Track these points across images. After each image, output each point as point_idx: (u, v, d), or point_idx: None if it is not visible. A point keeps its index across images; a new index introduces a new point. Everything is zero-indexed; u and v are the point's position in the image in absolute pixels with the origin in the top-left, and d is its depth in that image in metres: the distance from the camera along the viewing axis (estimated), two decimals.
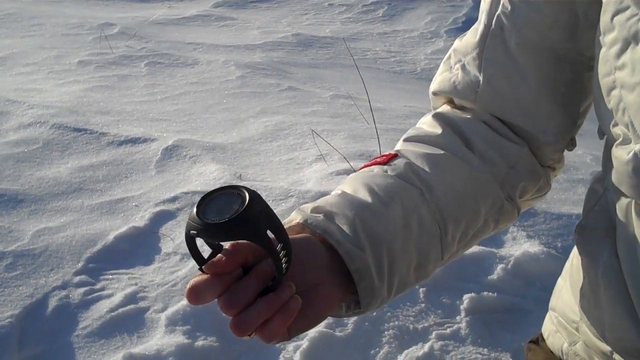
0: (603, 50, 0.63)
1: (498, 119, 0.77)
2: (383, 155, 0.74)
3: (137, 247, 1.97)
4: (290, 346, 1.55)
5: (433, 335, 1.61)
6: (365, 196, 0.66)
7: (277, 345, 1.57)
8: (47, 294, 1.71)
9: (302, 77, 4.23)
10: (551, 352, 0.90)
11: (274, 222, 0.54)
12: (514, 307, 1.73)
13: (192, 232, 0.52)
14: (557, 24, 0.72)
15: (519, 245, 1.96)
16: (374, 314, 1.67)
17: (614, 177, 0.64)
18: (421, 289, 1.76)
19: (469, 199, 0.72)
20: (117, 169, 2.51)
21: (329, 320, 1.63)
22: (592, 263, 0.72)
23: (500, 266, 1.84)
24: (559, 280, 0.91)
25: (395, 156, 0.73)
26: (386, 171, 0.71)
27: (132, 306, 1.69)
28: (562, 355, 0.86)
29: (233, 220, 0.50)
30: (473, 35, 0.78)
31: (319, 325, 1.60)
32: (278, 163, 2.63)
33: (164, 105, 3.46)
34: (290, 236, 0.59)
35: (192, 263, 1.86)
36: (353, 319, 1.64)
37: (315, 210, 0.65)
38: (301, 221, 0.63)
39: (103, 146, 2.72)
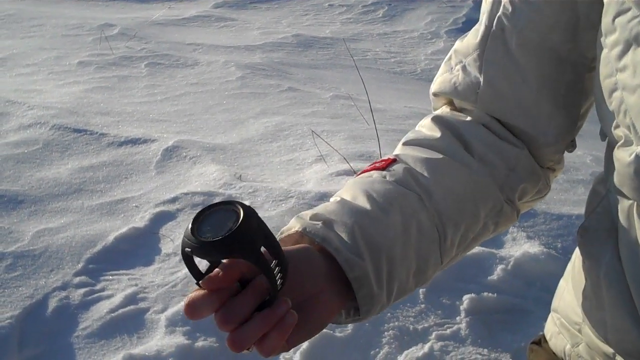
0: (604, 51, 0.63)
1: (498, 121, 0.77)
2: (382, 160, 0.74)
3: (137, 248, 1.97)
4: None
5: (433, 335, 1.61)
6: (364, 203, 0.67)
7: None
8: (47, 294, 1.71)
9: (302, 78, 4.23)
10: (553, 353, 0.90)
11: (268, 238, 0.54)
12: (514, 308, 1.73)
13: (186, 249, 0.52)
14: (558, 24, 0.72)
15: (519, 246, 1.96)
16: None
17: (616, 179, 0.64)
18: (421, 290, 1.76)
19: (468, 203, 0.72)
20: (117, 169, 2.51)
21: None
22: (594, 264, 0.72)
23: (500, 267, 1.84)
24: (561, 282, 0.90)
25: (394, 161, 0.73)
26: (385, 177, 0.71)
27: (132, 307, 1.69)
28: (564, 357, 0.86)
29: (225, 239, 0.50)
30: (474, 36, 0.78)
31: None
32: (278, 164, 2.63)
33: (164, 106, 3.46)
34: (288, 247, 0.59)
35: None
36: None
37: (314, 217, 0.65)
38: (300, 229, 0.63)
39: (103, 147, 2.72)
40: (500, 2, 0.75)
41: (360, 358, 1.55)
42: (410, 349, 1.57)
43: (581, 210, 2.20)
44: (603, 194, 0.72)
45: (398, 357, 1.55)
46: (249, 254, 0.52)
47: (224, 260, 0.55)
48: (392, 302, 0.67)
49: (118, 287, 1.77)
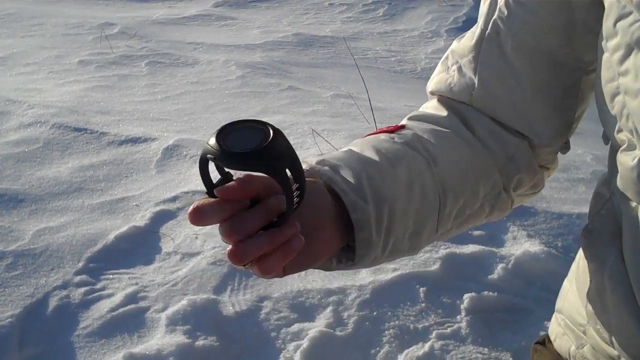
0: (606, 55, 0.63)
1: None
2: (390, 126, 0.75)
3: (138, 247, 1.97)
4: (291, 345, 1.55)
5: (433, 334, 1.61)
6: (372, 155, 0.67)
7: (277, 344, 1.57)
8: (48, 293, 1.71)
9: (302, 77, 4.23)
10: (558, 354, 0.89)
11: (294, 161, 0.54)
12: (515, 307, 1.72)
13: (209, 156, 0.51)
14: (554, 28, 0.71)
15: (520, 245, 1.96)
16: (375, 313, 1.67)
17: (619, 182, 0.64)
18: (421, 289, 1.76)
19: (470, 178, 0.73)
20: (118, 168, 2.51)
21: (329, 319, 1.63)
22: (598, 267, 0.72)
23: (500, 265, 1.84)
24: (565, 282, 0.90)
25: (402, 127, 0.74)
26: (393, 138, 0.71)
27: (132, 306, 1.69)
28: (569, 358, 0.86)
29: (256, 152, 0.50)
30: (470, 38, 0.79)
31: (319, 324, 1.60)
32: None
33: (164, 105, 3.46)
34: None
35: (193, 263, 1.86)
36: (354, 318, 1.64)
37: (320, 162, 0.65)
38: (307, 169, 0.63)
39: (103, 146, 2.71)
40: (496, 5, 0.75)
41: (361, 357, 1.55)
42: (411, 348, 1.57)
43: (582, 209, 2.20)
44: (607, 197, 0.72)
45: (398, 356, 1.55)
46: (275, 170, 0.51)
47: (240, 176, 0.55)
48: (384, 258, 0.67)
49: (118, 286, 1.77)
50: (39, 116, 2.95)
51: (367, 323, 1.64)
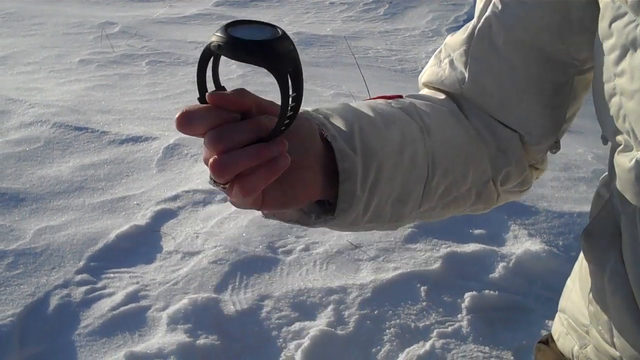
0: (602, 56, 0.62)
1: None
2: (387, 95, 0.74)
3: (139, 246, 1.97)
4: (292, 344, 1.55)
5: (434, 333, 1.61)
6: (367, 111, 0.65)
7: (278, 343, 1.57)
8: (49, 292, 1.71)
9: (303, 76, 4.23)
10: (561, 354, 0.89)
11: (297, 67, 0.52)
12: (516, 306, 1.72)
13: (213, 44, 0.49)
14: (549, 26, 0.71)
15: (521, 244, 1.96)
16: (376, 312, 1.67)
17: (618, 184, 0.63)
18: (422, 287, 1.76)
19: (461, 159, 0.71)
20: (119, 167, 2.51)
21: (330, 318, 1.63)
22: (598, 269, 0.72)
23: (501, 264, 1.84)
24: (568, 282, 0.90)
25: (400, 97, 0.74)
26: (390, 103, 0.70)
27: (133, 305, 1.69)
28: (572, 358, 0.86)
29: (264, 43, 0.48)
30: (463, 31, 0.78)
31: (320, 323, 1.60)
32: None
33: (165, 104, 3.46)
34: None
35: (194, 262, 1.86)
36: (355, 316, 1.64)
37: (315, 111, 0.63)
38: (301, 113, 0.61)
39: (104, 145, 2.71)
40: (491, 0, 0.75)
41: (362, 356, 1.55)
42: (412, 347, 1.57)
43: (583, 208, 2.20)
44: (607, 198, 0.71)
45: (399, 354, 1.55)
46: (279, 68, 0.50)
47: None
48: (365, 223, 0.65)
49: (119, 285, 1.77)
50: (39, 115, 2.95)
51: (368, 322, 1.64)
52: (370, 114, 0.65)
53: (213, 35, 0.49)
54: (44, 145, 2.67)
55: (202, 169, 2.49)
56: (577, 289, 0.83)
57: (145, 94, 3.65)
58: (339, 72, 4.51)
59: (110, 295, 1.73)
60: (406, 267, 1.83)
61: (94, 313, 1.66)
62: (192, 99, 3.53)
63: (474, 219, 2.04)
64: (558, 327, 0.90)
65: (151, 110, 3.34)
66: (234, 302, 1.70)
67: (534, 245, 1.92)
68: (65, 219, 2.09)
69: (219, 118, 0.51)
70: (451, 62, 0.78)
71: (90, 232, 2.00)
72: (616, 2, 0.59)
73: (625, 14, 0.58)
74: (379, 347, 1.57)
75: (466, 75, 0.76)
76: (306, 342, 1.54)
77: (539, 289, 1.78)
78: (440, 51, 0.82)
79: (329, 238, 1.97)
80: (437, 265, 1.84)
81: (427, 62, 0.84)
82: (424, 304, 1.72)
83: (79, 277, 1.78)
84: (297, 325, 1.62)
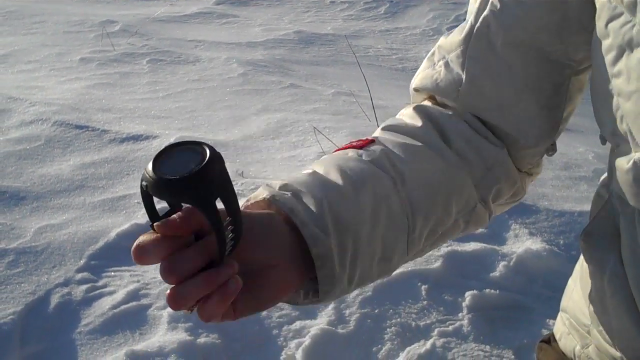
0: (599, 56, 0.62)
1: (479, 119, 0.76)
2: (360, 140, 0.72)
3: None
4: (292, 343, 1.55)
5: (435, 332, 1.61)
6: (336, 178, 0.64)
7: (279, 342, 1.57)
8: (49, 291, 1.71)
9: (303, 75, 4.23)
10: (563, 353, 0.89)
11: (227, 192, 0.49)
12: (516, 304, 1.72)
13: (143, 182, 0.47)
14: (547, 25, 0.70)
15: (521, 243, 1.96)
16: (376, 310, 1.67)
17: (616, 185, 0.63)
18: (423, 286, 1.76)
19: (441, 196, 0.70)
20: (119, 166, 2.51)
21: (330, 317, 1.63)
22: (598, 270, 0.71)
23: (502, 263, 1.84)
24: (570, 282, 0.89)
25: (372, 142, 0.71)
26: (361, 155, 0.68)
27: (134, 303, 1.69)
28: (574, 358, 0.85)
29: (181, 180, 0.45)
30: (459, 32, 0.77)
31: (321, 322, 1.60)
32: (280, 160, 2.62)
33: (165, 103, 3.46)
34: (253, 210, 0.55)
35: None
36: (355, 315, 1.64)
37: (283, 187, 0.62)
38: (268, 197, 0.59)
39: (105, 143, 2.72)
40: (488, 0, 0.73)
41: (363, 354, 1.55)
42: (413, 346, 1.57)
43: (583, 207, 2.20)
44: (606, 198, 0.71)
45: (400, 353, 1.55)
46: (202, 202, 0.47)
47: (185, 207, 0.50)
48: (353, 287, 0.64)
49: (120, 284, 1.77)
50: (40, 114, 2.95)
51: (369, 321, 1.64)
52: (340, 181, 0.63)
53: (144, 171, 0.47)
54: (45, 144, 2.67)
55: None
56: (579, 288, 0.83)
57: (145, 92, 3.65)
58: (340, 71, 4.51)
59: (111, 293, 1.73)
60: (407, 266, 1.83)
61: (94, 311, 1.66)
62: (192, 98, 3.54)
63: None
64: (560, 327, 0.90)
65: (152, 108, 3.34)
66: None
67: (535, 244, 1.92)
68: (66, 217, 2.09)
69: (170, 247, 0.50)
70: (446, 64, 0.77)
71: (91, 231, 2.00)
72: (612, 2, 0.58)
73: (621, 14, 0.58)
74: (379, 346, 1.57)
75: (463, 76, 0.74)
76: (307, 340, 1.54)
77: (540, 287, 1.78)
78: (433, 53, 0.81)
79: None
80: (437, 264, 1.84)
81: None
82: (425, 302, 1.72)
83: (79, 276, 1.79)
84: (297, 324, 1.62)
